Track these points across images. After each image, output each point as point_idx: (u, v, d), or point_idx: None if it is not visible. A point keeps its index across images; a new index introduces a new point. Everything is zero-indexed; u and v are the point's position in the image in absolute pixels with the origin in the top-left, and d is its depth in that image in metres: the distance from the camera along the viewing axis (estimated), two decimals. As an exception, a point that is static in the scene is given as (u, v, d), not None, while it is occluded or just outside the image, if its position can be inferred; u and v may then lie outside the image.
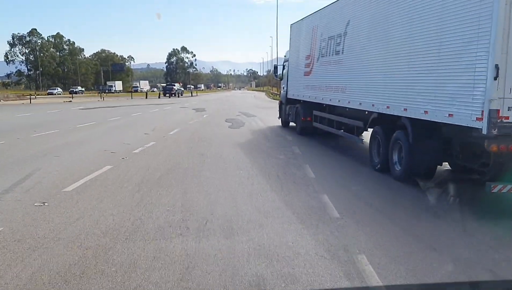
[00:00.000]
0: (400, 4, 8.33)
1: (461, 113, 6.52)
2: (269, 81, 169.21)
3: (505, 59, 5.84)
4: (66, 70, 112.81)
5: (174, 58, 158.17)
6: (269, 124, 19.79)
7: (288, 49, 17.62)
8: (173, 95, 63.45)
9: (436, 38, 7.15)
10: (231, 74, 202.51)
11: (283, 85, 18.71)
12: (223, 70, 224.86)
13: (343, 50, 11.38)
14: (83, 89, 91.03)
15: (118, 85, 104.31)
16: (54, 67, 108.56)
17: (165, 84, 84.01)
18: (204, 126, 18.87)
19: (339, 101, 11.73)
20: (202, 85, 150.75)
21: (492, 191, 6.09)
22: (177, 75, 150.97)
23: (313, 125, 14.42)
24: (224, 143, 13.23)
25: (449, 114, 6.81)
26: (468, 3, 6.35)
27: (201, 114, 26.70)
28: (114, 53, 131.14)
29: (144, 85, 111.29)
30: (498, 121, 5.91)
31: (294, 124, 16.83)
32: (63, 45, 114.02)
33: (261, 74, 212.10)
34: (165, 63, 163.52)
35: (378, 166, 9.35)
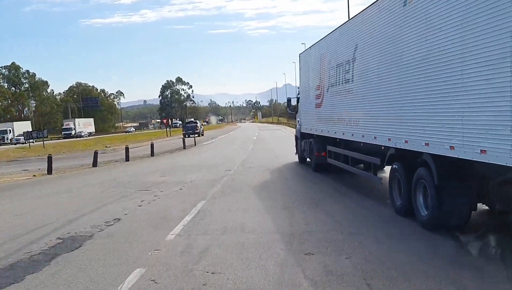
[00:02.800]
0: (413, 20, 7.09)
1: (496, 149, 5.15)
2: (274, 110, 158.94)
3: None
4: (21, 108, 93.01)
5: (169, 90, 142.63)
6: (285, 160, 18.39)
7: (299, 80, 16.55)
8: (196, 134, 49.31)
9: (458, 58, 5.85)
10: (230, 106, 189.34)
11: (298, 119, 17.54)
12: (221, 103, 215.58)
13: (352, 78, 10.16)
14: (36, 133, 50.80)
15: (85, 124, 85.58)
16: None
17: (183, 121, 73.49)
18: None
19: (352, 135, 10.42)
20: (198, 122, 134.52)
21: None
22: (173, 109, 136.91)
23: (328, 161, 13.08)
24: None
25: (481, 150, 5.44)
26: (495, 9, 5.06)
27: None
28: (93, 86, 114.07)
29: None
30: (546, 158, 4.53)
31: (310, 160, 15.54)
32: (19, 78, 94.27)
33: (263, 104, 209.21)
34: (159, 97, 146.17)
35: (401, 209, 7.95)
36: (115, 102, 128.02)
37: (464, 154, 5.82)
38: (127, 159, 23.52)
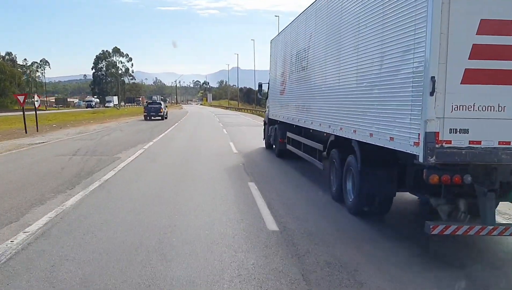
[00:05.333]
0: (350, 11, 7.31)
1: (401, 136, 5.41)
2: (225, 93, 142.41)
3: (444, 70, 4.74)
4: None
5: (104, 63, 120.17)
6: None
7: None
8: (159, 117, 40.83)
9: (379, 49, 6.08)
10: (175, 84, 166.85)
11: (268, 104, 17.72)
12: (168, 82, 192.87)
13: (307, 66, 10.36)
14: None
15: None
16: None
17: (146, 102, 56.16)
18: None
19: (304, 121, 10.66)
20: (114, 98, 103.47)
21: (432, 233, 4.92)
22: (108, 85, 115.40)
23: (287, 147, 13.32)
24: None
25: (390, 138, 5.71)
26: (404, 4, 5.30)
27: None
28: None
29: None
30: (436, 146, 4.78)
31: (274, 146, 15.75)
32: None
33: (214, 86, 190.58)
34: (92, 69, 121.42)
35: (335, 195, 8.23)
36: (39, 73, 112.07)
37: (378, 141, 6.08)
38: None
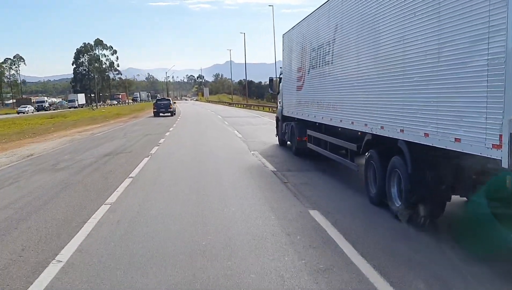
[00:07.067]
0: (390, 2, 6.66)
1: (471, 137, 4.79)
2: (222, 86, 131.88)
3: (529, 62, 4.12)
4: None
5: (86, 57, 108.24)
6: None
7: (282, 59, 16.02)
8: (169, 113, 42.69)
9: (434, 39, 5.45)
10: (167, 79, 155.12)
11: (279, 100, 17.08)
12: (161, 78, 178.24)
13: (332, 61, 9.72)
14: None
15: None
16: None
17: (155, 98, 56.09)
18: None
19: (331, 119, 10.03)
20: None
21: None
22: (91, 82, 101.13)
23: (308, 146, 12.69)
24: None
25: (455, 139, 5.09)
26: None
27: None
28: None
29: None
30: (524, 150, 4.17)
31: (290, 144, 15.13)
32: None
33: (207, 80, 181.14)
34: (72, 64, 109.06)
35: (375, 199, 7.62)
36: (13, 70, 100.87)
37: (438, 142, 5.47)
38: None
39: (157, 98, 53.00)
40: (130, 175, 10.53)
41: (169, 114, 42.90)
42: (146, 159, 13.40)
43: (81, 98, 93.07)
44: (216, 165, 12.43)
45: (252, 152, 14.86)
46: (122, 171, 11.27)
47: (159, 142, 18.61)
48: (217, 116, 40.04)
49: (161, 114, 42.99)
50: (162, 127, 28.09)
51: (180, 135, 22.62)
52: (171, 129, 26.24)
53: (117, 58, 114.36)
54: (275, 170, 11.15)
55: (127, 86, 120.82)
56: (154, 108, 44.01)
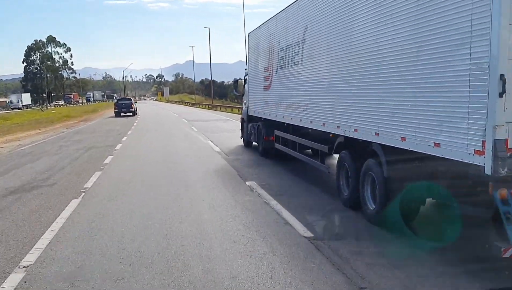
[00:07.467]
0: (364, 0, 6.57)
1: (451, 143, 4.73)
2: (183, 86, 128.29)
3: (512, 67, 4.08)
4: None
5: (38, 54, 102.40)
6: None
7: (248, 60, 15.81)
8: (130, 113, 42.37)
9: (413, 40, 5.37)
10: (128, 80, 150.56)
11: (244, 101, 16.86)
12: (119, 77, 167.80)
13: (302, 61, 9.58)
14: None
15: None
16: None
17: (112, 98, 54.50)
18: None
19: (300, 120, 9.89)
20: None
21: (504, 256, 4.27)
22: (43, 81, 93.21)
23: (275, 146, 12.54)
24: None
25: (434, 143, 5.02)
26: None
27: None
28: None
29: None
30: (507, 155, 4.13)
31: (257, 144, 14.94)
32: None
33: (169, 80, 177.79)
34: (23, 62, 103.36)
35: (348, 201, 7.53)
36: None
37: (415, 146, 5.40)
38: None
39: (118, 98, 53.78)
40: (21, 264, 5.10)
41: (131, 114, 42.53)
42: (74, 204, 7.90)
43: (26, 98, 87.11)
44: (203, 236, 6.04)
45: (247, 182, 9.62)
46: (13, 247, 5.77)
47: (104, 162, 13.04)
48: (182, 119, 35.01)
49: (122, 114, 42.62)
50: (113, 135, 22.37)
51: (136, 149, 17.11)
52: (124, 138, 20.48)
53: (71, 56, 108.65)
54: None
55: (83, 86, 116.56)
56: (115, 108, 43.83)
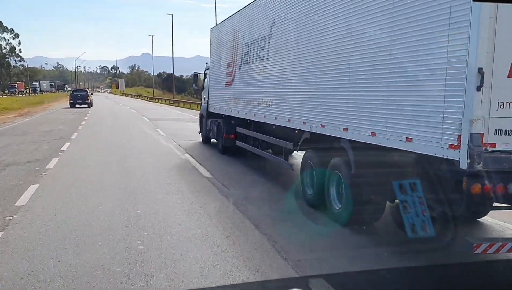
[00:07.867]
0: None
1: (424, 137, 4.63)
2: (139, 79, 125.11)
3: (491, 61, 4.02)
4: None
5: None
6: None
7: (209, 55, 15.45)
8: (86, 104, 41.76)
9: (386, 34, 5.26)
10: (81, 70, 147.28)
11: (204, 96, 16.48)
12: (72, 67, 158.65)
13: (268, 56, 9.38)
14: None
15: None
16: None
17: (63, 89, 51.83)
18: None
19: (264, 116, 9.67)
20: None
21: (475, 253, 4.20)
22: None
23: (236, 144, 12.27)
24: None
25: (406, 138, 4.92)
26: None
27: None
28: None
29: None
30: (483, 150, 4.07)
31: (216, 141, 14.60)
32: None
33: (124, 72, 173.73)
34: None
35: (312, 200, 7.36)
36: None
37: (386, 141, 5.28)
38: None
39: (74, 89, 53.06)
40: None
41: (86, 105, 42.14)
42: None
43: None
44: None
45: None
46: None
47: (20, 199, 7.21)
48: (142, 117, 29.02)
49: (77, 105, 41.96)
50: (50, 140, 15.95)
51: (81, 166, 10.83)
52: (64, 147, 13.98)
53: (19, 42, 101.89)
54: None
55: (33, 75, 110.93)
56: (70, 99, 43.40)
